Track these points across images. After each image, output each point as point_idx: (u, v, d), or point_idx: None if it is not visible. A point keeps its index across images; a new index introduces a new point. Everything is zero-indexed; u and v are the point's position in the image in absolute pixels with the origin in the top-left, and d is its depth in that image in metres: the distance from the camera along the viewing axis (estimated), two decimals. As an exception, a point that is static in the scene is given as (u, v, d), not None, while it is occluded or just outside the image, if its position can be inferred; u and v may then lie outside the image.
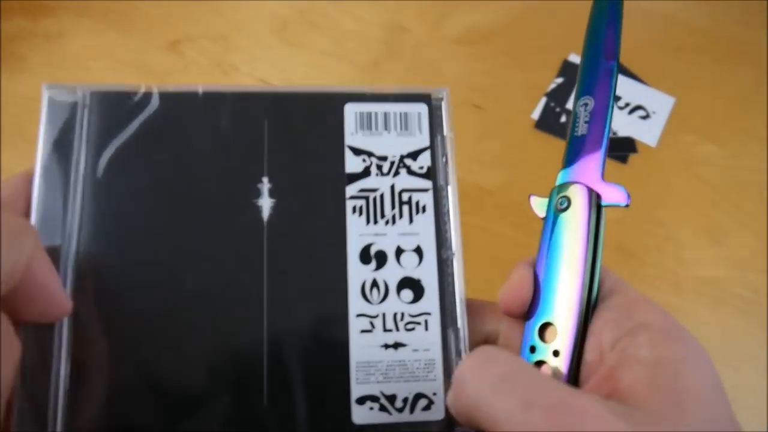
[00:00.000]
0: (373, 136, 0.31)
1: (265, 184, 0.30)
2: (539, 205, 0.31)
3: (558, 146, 0.60)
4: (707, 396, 0.24)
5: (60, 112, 0.30)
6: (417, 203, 0.31)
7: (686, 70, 0.62)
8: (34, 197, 0.29)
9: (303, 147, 0.31)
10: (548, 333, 0.29)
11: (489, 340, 0.31)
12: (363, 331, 0.29)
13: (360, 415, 0.28)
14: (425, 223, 0.31)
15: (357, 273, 0.30)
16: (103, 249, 0.29)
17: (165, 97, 0.31)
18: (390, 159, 0.31)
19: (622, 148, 0.59)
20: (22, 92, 0.56)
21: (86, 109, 0.30)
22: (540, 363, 0.28)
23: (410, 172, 0.31)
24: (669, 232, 0.55)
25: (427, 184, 0.31)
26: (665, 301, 0.53)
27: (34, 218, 0.29)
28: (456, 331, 0.30)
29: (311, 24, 0.63)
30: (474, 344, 0.30)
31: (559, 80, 0.61)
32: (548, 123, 0.59)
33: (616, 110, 0.61)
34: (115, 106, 0.30)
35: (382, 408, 0.29)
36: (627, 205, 0.30)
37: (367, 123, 0.32)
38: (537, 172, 0.58)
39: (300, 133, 0.31)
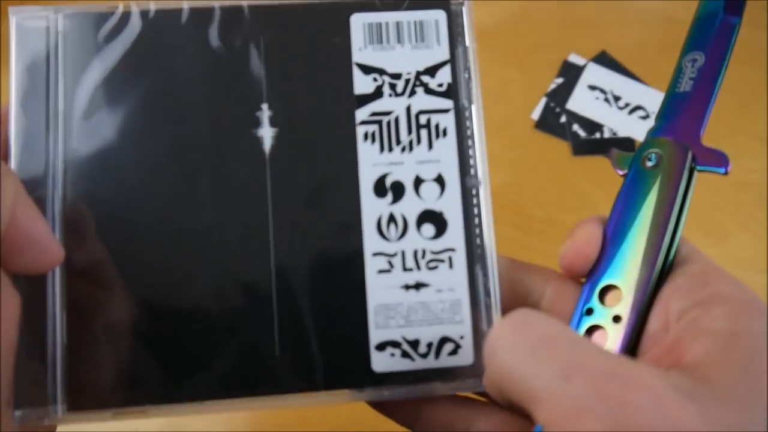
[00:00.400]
0: (385, 50, 0.28)
1: (265, 112, 0.27)
2: (621, 160, 0.28)
3: (558, 146, 0.59)
4: None
5: (31, 41, 0.27)
6: (437, 126, 0.27)
7: None
8: (12, 138, 0.26)
9: (305, 67, 0.27)
10: (610, 296, 0.26)
11: (529, 304, 0.28)
12: (380, 272, 0.26)
13: (380, 362, 0.26)
14: (447, 148, 0.27)
15: (371, 207, 0.27)
16: (92, 191, 0.26)
17: (146, 16, 0.27)
18: (405, 77, 0.28)
19: (621, 148, 0.57)
20: None
21: (60, 36, 0.27)
22: (594, 328, 0.26)
23: (428, 90, 0.28)
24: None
25: (448, 103, 0.28)
26: None
27: (12, 162, 0.26)
28: (484, 268, 0.27)
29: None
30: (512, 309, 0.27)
31: (559, 80, 0.61)
32: (548, 123, 0.60)
33: (614, 110, 0.61)
34: (91, 30, 0.27)
35: (405, 354, 0.26)
36: (726, 173, 0.27)
37: (377, 36, 0.28)
38: (537, 172, 0.58)
39: (301, 51, 0.27)
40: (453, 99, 0.28)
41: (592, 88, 0.62)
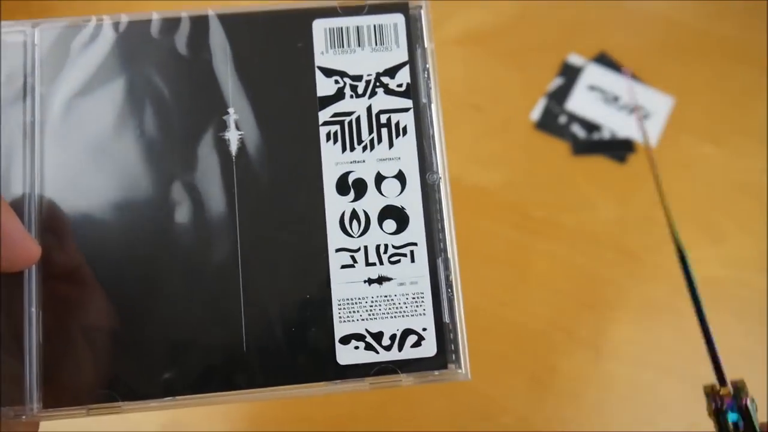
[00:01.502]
0: (346, 54, 0.29)
1: (231, 116, 0.28)
2: None
3: (558, 146, 0.60)
4: None
5: (10, 55, 0.28)
6: (397, 125, 0.28)
7: (686, 70, 0.62)
8: None
9: (270, 72, 0.28)
10: None
11: None
12: (344, 267, 0.27)
13: (345, 355, 0.27)
14: (407, 145, 0.28)
15: (335, 205, 0.28)
16: (68, 196, 0.27)
17: (118, 27, 0.28)
18: (365, 78, 0.28)
19: (621, 148, 0.60)
20: None
21: (36, 48, 0.28)
22: None
23: (388, 91, 0.28)
24: (668, 231, 0.55)
25: (407, 103, 0.28)
26: (665, 302, 0.54)
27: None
28: (446, 261, 0.27)
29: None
30: None
31: (559, 80, 0.62)
32: (548, 123, 0.60)
33: (614, 110, 0.62)
34: (66, 43, 0.28)
35: (368, 347, 0.27)
36: None
37: (338, 40, 0.29)
38: (537, 172, 0.59)
39: (266, 56, 0.28)
40: (412, 98, 0.28)
41: (592, 88, 0.62)
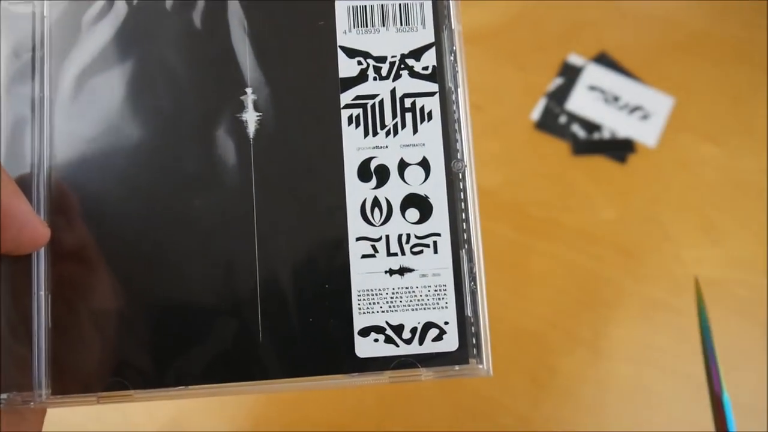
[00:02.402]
0: (369, 34, 0.27)
1: (249, 96, 0.27)
2: None
3: (558, 146, 0.59)
4: None
5: (18, 27, 0.27)
6: (422, 109, 0.27)
7: (686, 70, 0.62)
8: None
9: (289, 51, 0.27)
10: None
11: None
12: (364, 256, 0.26)
13: (364, 347, 0.26)
14: (432, 131, 0.27)
15: (356, 192, 0.26)
16: (78, 174, 0.26)
17: (131, 1, 0.27)
18: (389, 60, 0.27)
19: (621, 148, 0.60)
20: None
21: (46, 21, 0.27)
22: None
23: (413, 73, 0.27)
24: (668, 232, 0.56)
25: (433, 86, 0.27)
26: (664, 301, 0.53)
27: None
28: (469, 252, 0.26)
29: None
30: None
31: (559, 80, 0.62)
32: (548, 123, 0.60)
33: (614, 110, 0.61)
34: (77, 15, 0.27)
35: (388, 339, 0.26)
36: None
37: (361, 19, 0.27)
38: (537, 172, 0.58)
39: (285, 35, 0.27)
40: (438, 82, 0.27)
41: (592, 88, 0.62)
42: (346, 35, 0.27)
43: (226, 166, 0.26)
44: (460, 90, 0.27)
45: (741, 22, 0.65)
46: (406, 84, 0.27)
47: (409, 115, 0.27)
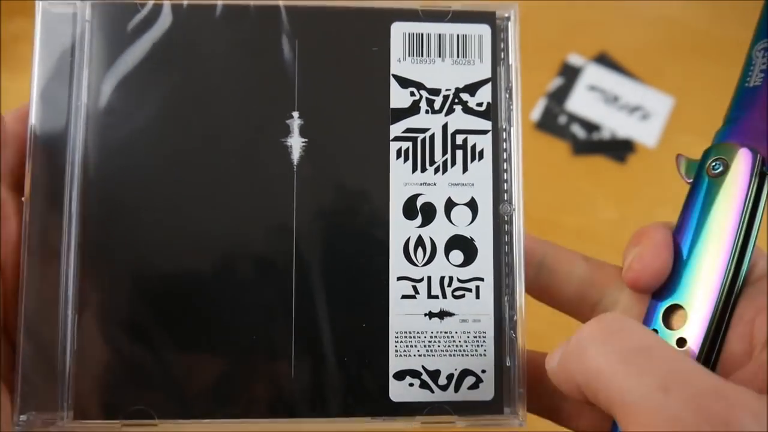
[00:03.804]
0: (424, 63, 0.26)
1: (296, 120, 0.26)
2: (688, 168, 0.26)
3: (558, 146, 0.59)
4: None
5: (57, 28, 0.26)
6: (473, 147, 0.26)
7: (686, 70, 0.62)
8: (32, 128, 0.25)
9: (340, 75, 0.26)
10: (676, 317, 0.24)
11: (599, 310, 0.26)
12: (404, 297, 0.25)
13: (398, 391, 0.25)
14: (482, 171, 0.26)
15: (400, 229, 0.26)
16: (113, 189, 0.25)
17: (178, 11, 0.26)
18: (443, 93, 0.26)
19: (621, 148, 0.60)
20: (24, 92, 0.53)
21: (87, 24, 0.26)
22: None
23: (467, 109, 0.26)
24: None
25: (486, 124, 0.26)
26: None
27: (31, 154, 0.25)
28: (512, 300, 0.25)
29: None
30: (585, 312, 0.26)
31: (559, 80, 0.62)
32: (548, 123, 0.60)
33: (614, 110, 0.61)
34: (120, 22, 0.26)
35: (424, 384, 0.25)
36: None
37: (417, 47, 0.26)
38: (537, 172, 0.57)
39: (337, 57, 0.26)
40: (492, 120, 0.26)
41: (592, 88, 0.62)
42: (400, 63, 0.26)
43: (267, 192, 0.25)
44: (513, 129, 0.26)
45: (741, 22, 0.64)
46: (459, 120, 0.26)
47: (459, 153, 0.26)
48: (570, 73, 0.62)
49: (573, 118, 0.61)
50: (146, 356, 0.25)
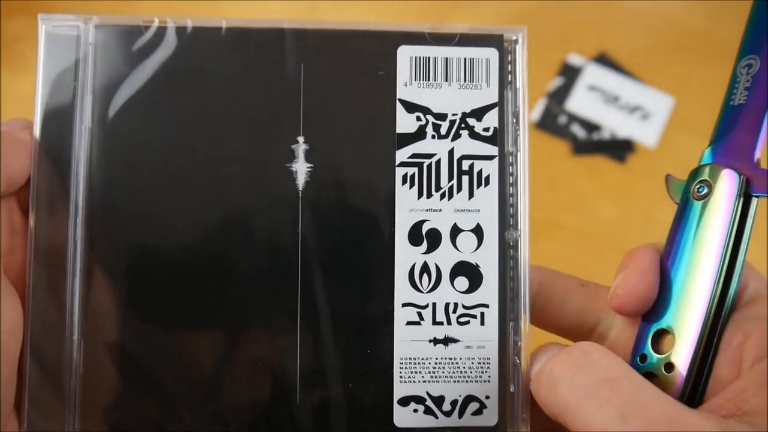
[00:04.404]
0: (431, 88, 0.26)
1: (301, 145, 0.26)
2: (675, 188, 0.26)
3: (558, 146, 0.59)
4: None
5: (60, 50, 0.25)
6: (479, 173, 0.26)
7: (686, 70, 0.62)
8: (36, 149, 0.25)
9: (346, 99, 0.26)
10: (665, 342, 0.24)
11: (596, 333, 0.27)
12: (409, 323, 0.25)
13: (402, 417, 0.25)
14: (488, 197, 0.26)
15: (405, 255, 0.26)
16: (117, 213, 0.25)
17: (182, 33, 0.26)
18: (450, 118, 0.26)
19: (621, 148, 0.60)
20: (24, 92, 0.55)
21: (91, 47, 0.25)
22: (649, 376, 0.24)
23: (473, 134, 0.26)
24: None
25: (493, 150, 0.26)
26: None
27: (35, 177, 0.25)
28: (516, 326, 0.26)
29: None
30: (582, 336, 0.27)
31: (559, 80, 0.62)
32: (548, 123, 0.60)
33: (614, 110, 0.61)
34: (123, 44, 0.25)
35: (428, 410, 0.25)
36: None
37: (424, 71, 0.26)
38: (537, 172, 0.57)
39: (343, 81, 0.26)
40: (498, 145, 0.26)
41: (592, 88, 0.62)
42: (406, 87, 0.26)
43: (272, 217, 0.25)
44: (520, 155, 0.26)
45: (741, 22, 0.64)
46: (466, 145, 0.26)
47: (465, 178, 0.26)
48: (570, 73, 0.62)
49: (573, 118, 0.61)
50: (154, 376, 0.25)
